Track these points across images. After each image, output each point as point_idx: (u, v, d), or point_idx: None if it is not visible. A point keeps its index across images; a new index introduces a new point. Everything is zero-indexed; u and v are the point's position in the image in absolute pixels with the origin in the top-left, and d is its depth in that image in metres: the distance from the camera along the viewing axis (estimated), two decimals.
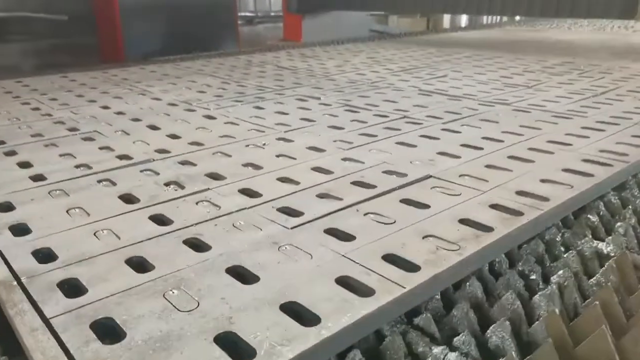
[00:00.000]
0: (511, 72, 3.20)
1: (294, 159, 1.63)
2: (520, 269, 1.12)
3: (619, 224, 1.29)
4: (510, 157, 1.62)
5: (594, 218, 1.31)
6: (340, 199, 1.31)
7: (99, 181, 1.47)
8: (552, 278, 1.07)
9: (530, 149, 1.70)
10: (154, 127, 2.04)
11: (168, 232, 1.15)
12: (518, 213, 1.22)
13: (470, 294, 1.03)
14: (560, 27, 5.93)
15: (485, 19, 8.17)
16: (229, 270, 1.00)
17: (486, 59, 3.74)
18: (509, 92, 2.62)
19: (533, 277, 1.11)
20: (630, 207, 1.37)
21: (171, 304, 0.88)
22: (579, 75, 3.03)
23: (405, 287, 0.92)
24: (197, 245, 1.10)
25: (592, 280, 1.10)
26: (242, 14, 7.81)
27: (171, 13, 5.43)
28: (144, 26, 5.09)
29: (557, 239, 1.23)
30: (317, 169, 1.54)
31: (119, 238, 1.12)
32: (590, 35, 5.05)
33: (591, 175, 1.45)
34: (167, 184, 1.43)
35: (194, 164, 1.60)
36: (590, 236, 1.26)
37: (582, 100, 2.39)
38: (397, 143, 1.78)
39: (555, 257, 1.19)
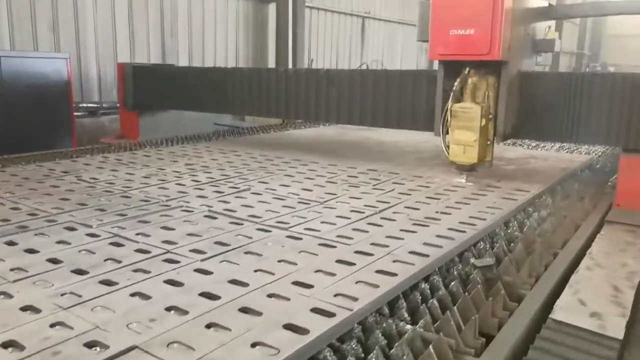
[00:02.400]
0: (315, 182, 3.29)
1: None
2: None
3: None
4: (242, 308, 1.55)
5: None
6: None
7: None
8: None
9: (269, 295, 1.65)
10: None
11: None
12: None
13: None
14: None
15: None
16: None
17: (302, 165, 3.85)
18: (299, 210, 2.64)
19: None
20: None
21: None
22: (374, 187, 3.20)
23: None
24: None
25: None
26: (85, 104, 7.50)
27: None
28: None
29: None
30: (7, 344, 1.34)
31: None
32: (410, 136, 5.47)
33: (307, 331, 1.41)
34: None
35: None
36: None
37: (358, 221, 2.47)
38: (132, 294, 1.64)
39: None
